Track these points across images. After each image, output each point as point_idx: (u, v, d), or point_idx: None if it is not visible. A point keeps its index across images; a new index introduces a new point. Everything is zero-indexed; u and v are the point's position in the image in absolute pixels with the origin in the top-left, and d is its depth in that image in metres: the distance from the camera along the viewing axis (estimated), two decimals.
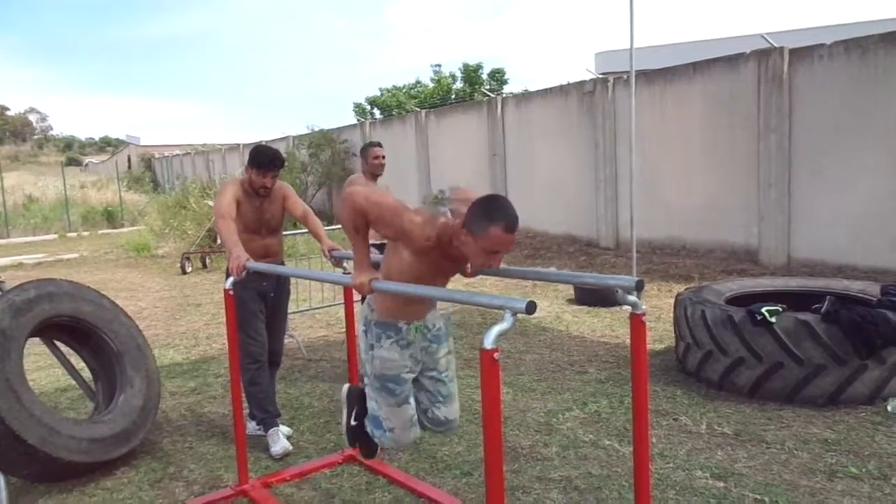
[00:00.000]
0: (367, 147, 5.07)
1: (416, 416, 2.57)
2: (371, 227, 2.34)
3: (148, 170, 35.31)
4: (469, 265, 2.43)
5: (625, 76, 8.91)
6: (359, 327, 2.58)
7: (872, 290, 4.59)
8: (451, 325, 2.73)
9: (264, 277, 3.70)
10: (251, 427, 3.82)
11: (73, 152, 63.54)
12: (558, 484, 3.18)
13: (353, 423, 2.74)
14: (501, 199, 2.20)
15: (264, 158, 3.59)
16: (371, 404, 2.56)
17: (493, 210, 2.12)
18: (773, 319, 3.96)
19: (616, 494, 3.05)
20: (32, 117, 74.95)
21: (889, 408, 3.82)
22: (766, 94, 8.23)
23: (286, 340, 4.57)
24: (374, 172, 4.97)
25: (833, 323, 3.89)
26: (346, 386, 2.91)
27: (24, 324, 3.44)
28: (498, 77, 27.37)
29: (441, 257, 2.30)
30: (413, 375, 2.55)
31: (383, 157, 4.99)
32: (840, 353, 3.86)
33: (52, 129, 79.16)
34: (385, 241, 2.50)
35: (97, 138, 78.18)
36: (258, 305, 3.74)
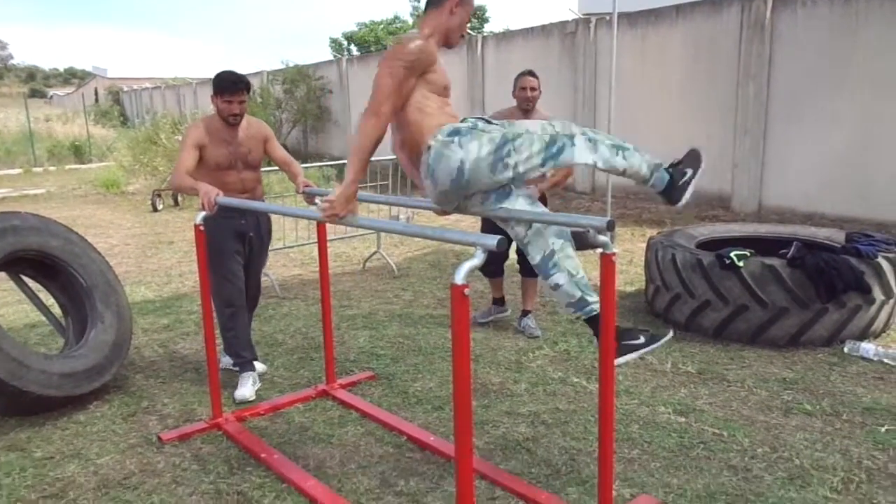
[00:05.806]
0: (520, 76, 4.34)
1: None
2: (412, 78, 2.43)
3: (116, 104, 34.21)
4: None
5: (607, 17, 8.75)
6: (445, 168, 2.25)
7: (838, 237, 4.71)
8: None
9: (242, 216, 3.59)
10: (225, 361, 3.83)
11: (36, 83, 61.36)
12: (526, 418, 3.28)
13: None
14: None
15: (227, 82, 3.44)
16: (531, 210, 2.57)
17: None
18: (740, 264, 4.05)
19: (582, 428, 3.16)
20: None
21: (846, 349, 3.97)
22: (748, 40, 8.17)
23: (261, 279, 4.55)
24: (521, 106, 4.30)
25: (798, 268, 3.98)
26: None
27: None
28: (479, 14, 26.74)
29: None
30: None
31: (531, 90, 4.26)
32: (803, 297, 3.97)
33: (12, 58, 76.33)
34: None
35: (62, 69, 75.50)
36: (235, 245, 3.60)
